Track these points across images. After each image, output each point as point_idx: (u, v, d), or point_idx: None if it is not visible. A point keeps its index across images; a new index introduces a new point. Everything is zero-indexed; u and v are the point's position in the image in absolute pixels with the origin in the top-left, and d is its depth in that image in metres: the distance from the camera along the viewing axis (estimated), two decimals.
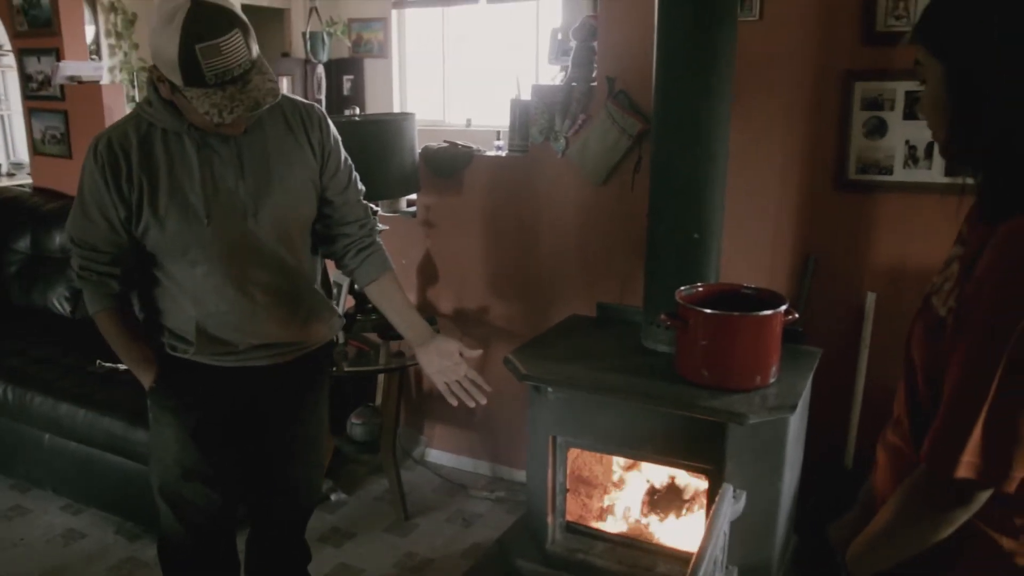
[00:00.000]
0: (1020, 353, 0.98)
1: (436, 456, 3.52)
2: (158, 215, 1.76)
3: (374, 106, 7.17)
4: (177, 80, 1.60)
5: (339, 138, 1.96)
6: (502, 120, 6.73)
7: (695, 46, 2.07)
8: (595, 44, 2.88)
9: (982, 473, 1.02)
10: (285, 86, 7.01)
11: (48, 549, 2.92)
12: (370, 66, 7.24)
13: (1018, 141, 1.05)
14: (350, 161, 2.00)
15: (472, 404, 1.89)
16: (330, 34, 7.09)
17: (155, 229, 1.78)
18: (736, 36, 2.13)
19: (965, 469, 1.02)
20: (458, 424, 3.43)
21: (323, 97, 7.05)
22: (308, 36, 6.88)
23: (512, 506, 3.17)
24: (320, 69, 7.04)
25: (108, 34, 6.93)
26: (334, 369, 2.22)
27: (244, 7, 7.01)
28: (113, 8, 6.93)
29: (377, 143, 2.80)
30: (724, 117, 2.13)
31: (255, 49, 1.65)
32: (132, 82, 6.84)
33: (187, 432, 1.96)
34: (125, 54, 7.05)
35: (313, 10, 6.96)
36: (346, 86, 7.33)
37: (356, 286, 3.02)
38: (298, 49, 7.46)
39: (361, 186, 2.02)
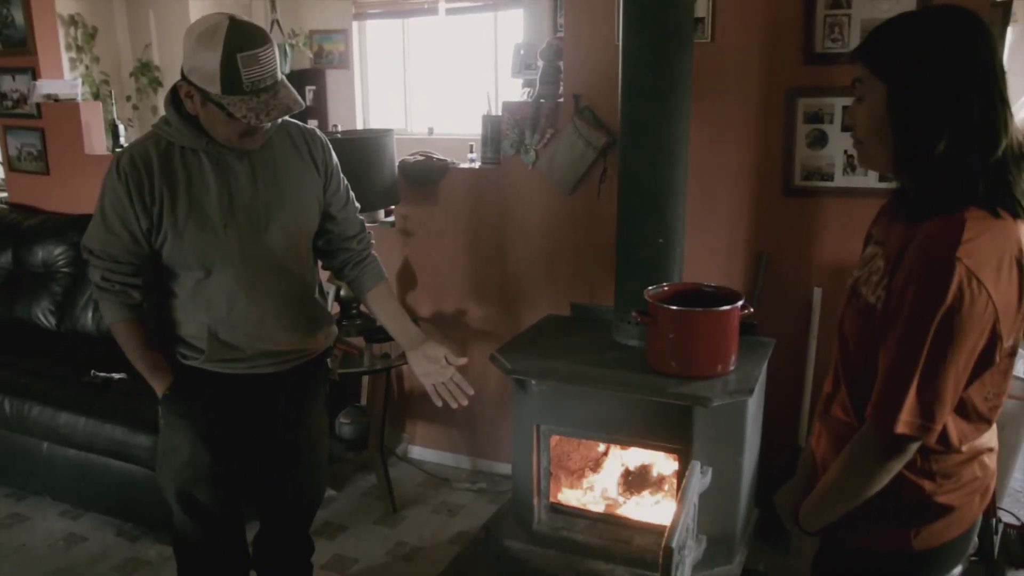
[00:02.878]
0: (940, 331, 1.21)
1: (418, 452, 3.72)
2: (177, 227, 1.92)
3: (336, 116, 7.31)
4: (215, 89, 1.77)
5: (338, 161, 2.15)
6: (464, 128, 6.95)
7: (656, 70, 2.31)
8: (561, 64, 3.11)
9: (916, 428, 1.25)
10: None
11: (51, 553, 3.05)
12: (332, 76, 7.38)
13: (948, 155, 1.23)
14: (346, 181, 2.18)
15: (455, 405, 2.07)
16: (292, 46, 7.22)
17: (174, 240, 1.93)
18: (692, 59, 2.38)
19: (903, 426, 1.25)
20: (439, 421, 3.64)
21: None
22: (275, 23, 6.99)
23: (493, 496, 3.38)
24: None
25: (68, 47, 6.97)
26: (329, 376, 2.40)
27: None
28: (74, 22, 6.97)
29: (359, 158, 2.99)
30: (684, 133, 2.37)
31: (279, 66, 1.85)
32: (95, 95, 6.89)
33: (199, 436, 2.10)
34: (87, 67, 7.09)
35: (275, 22, 7.09)
36: (308, 96, 7.46)
37: (342, 293, 3.23)
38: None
39: (357, 203, 2.22)
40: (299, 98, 1.86)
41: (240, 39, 1.74)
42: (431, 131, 7.00)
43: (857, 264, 1.46)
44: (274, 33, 7.06)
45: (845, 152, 2.75)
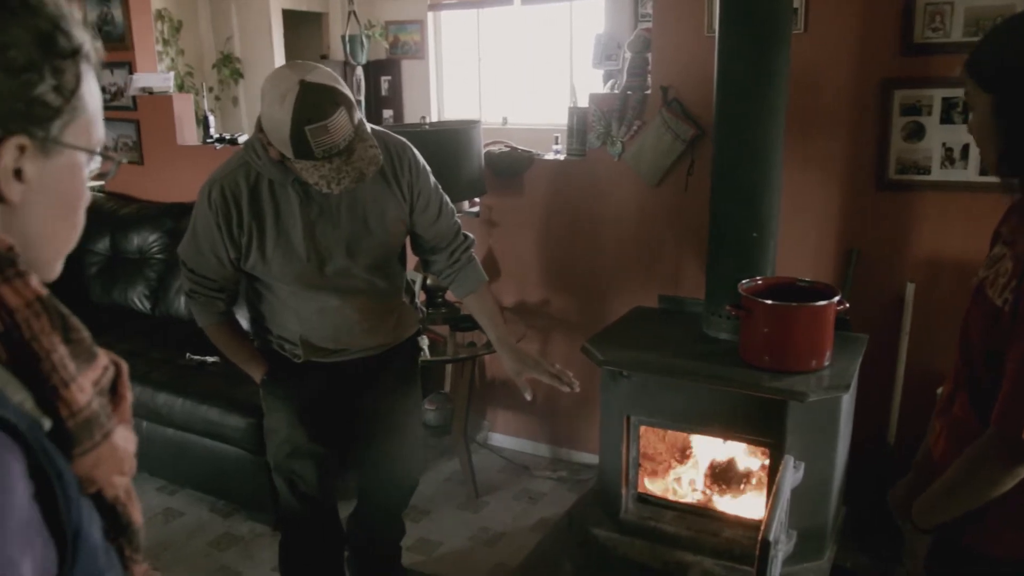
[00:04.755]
0: None
1: (499, 440, 3.77)
2: (265, 257, 1.99)
3: (411, 106, 7.41)
4: (288, 153, 1.81)
5: (427, 169, 2.12)
6: (537, 118, 6.97)
7: (754, 63, 2.30)
8: (648, 55, 3.10)
9: None
10: None
11: (151, 526, 3.19)
12: (407, 67, 7.48)
13: None
14: (439, 189, 2.16)
15: (567, 389, 2.09)
16: (368, 37, 7.32)
17: (262, 266, 2.01)
18: (790, 52, 2.35)
19: None
20: (519, 409, 3.68)
21: (362, 98, 7.28)
22: (347, 39, 7.11)
23: (573, 485, 3.42)
24: (359, 71, 7.27)
25: (156, 41, 7.20)
26: (421, 354, 2.47)
27: (284, 11, 7.28)
28: (160, 16, 7.20)
29: (447, 150, 3.03)
30: (780, 127, 2.35)
31: (357, 117, 1.83)
32: (180, 87, 7.11)
33: (296, 416, 2.21)
34: (172, 60, 7.33)
35: (351, 14, 7.19)
36: (384, 87, 7.57)
37: (428, 282, 3.28)
38: (337, 52, 7.71)
39: (451, 208, 2.20)
40: (377, 152, 1.84)
41: (308, 111, 1.73)
42: (505, 121, 7.04)
43: (983, 264, 1.44)
44: (350, 24, 7.17)
45: (943, 145, 2.69)
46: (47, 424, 0.69)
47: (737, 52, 2.31)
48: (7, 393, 0.67)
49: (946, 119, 2.67)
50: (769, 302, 2.21)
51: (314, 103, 1.74)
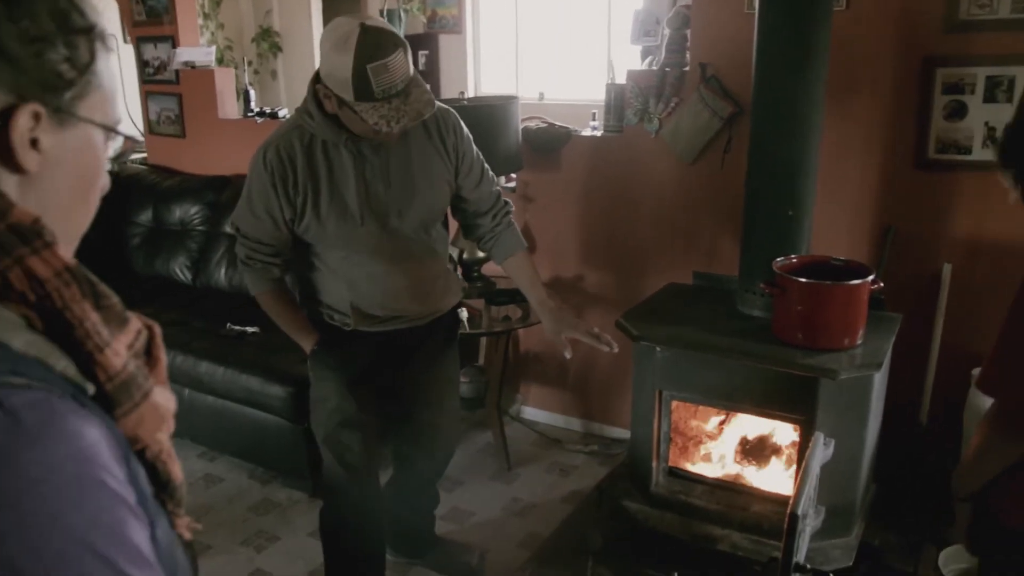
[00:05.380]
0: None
1: (531, 413, 3.82)
2: (320, 217, 2.05)
3: (448, 81, 7.41)
4: (348, 96, 1.85)
5: (470, 136, 2.20)
6: (574, 94, 6.93)
7: (794, 40, 2.29)
8: (687, 32, 3.09)
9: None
10: None
11: (192, 490, 3.29)
12: (444, 41, 7.46)
13: None
14: (480, 156, 2.24)
15: (607, 349, 2.15)
16: (406, 11, 7.33)
17: (316, 228, 2.06)
18: (831, 29, 2.34)
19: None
20: (551, 384, 3.73)
21: None
22: (385, 13, 7.14)
23: (604, 459, 3.46)
24: None
25: (196, 15, 7.27)
26: (460, 326, 2.52)
27: None
28: None
29: (485, 125, 3.05)
30: (819, 105, 2.35)
31: (411, 66, 1.90)
32: (220, 61, 7.18)
33: (345, 386, 2.25)
34: (212, 34, 7.39)
35: None
36: (421, 61, 7.58)
37: (464, 256, 3.33)
38: None
39: (492, 175, 2.28)
40: (431, 98, 1.91)
41: (371, 49, 1.79)
42: (542, 96, 7.02)
43: None
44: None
45: (986, 124, 2.66)
46: (91, 389, 0.74)
47: (777, 28, 2.31)
48: (50, 362, 0.72)
49: (989, 98, 2.64)
50: (803, 280, 2.22)
51: (375, 43, 1.80)
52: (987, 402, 2.57)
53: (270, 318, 2.25)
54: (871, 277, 2.24)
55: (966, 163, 2.72)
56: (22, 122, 0.72)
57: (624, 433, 3.55)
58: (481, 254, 3.28)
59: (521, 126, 3.37)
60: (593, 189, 3.41)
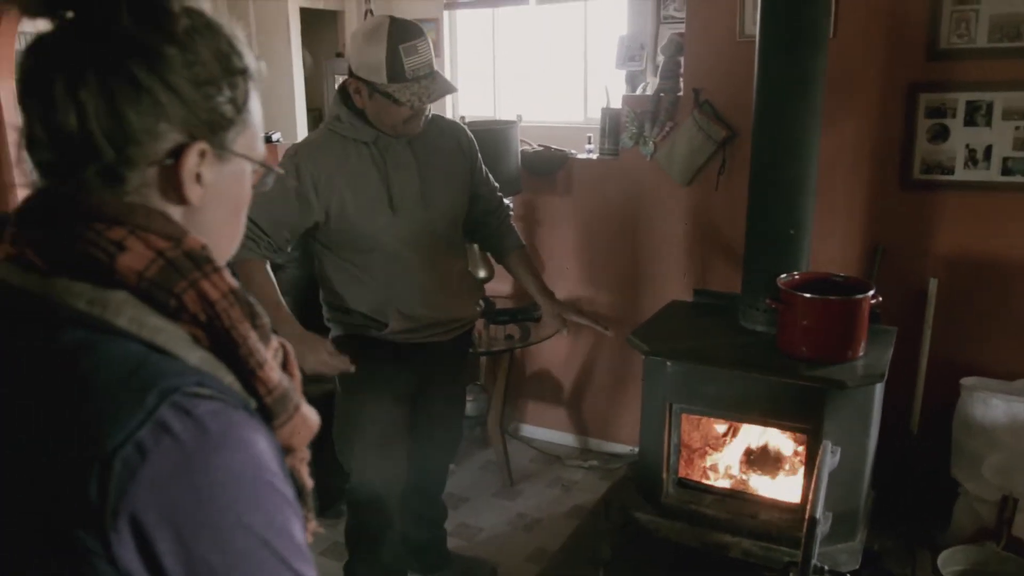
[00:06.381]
0: None
1: (528, 431, 3.89)
2: (352, 215, 2.13)
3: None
4: (381, 79, 2.00)
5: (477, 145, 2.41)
6: (553, 117, 7.03)
7: (792, 68, 2.41)
8: (681, 59, 3.22)
9: None
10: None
11: None
12: None
13: None
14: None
15: (606, 331, 2.44)
16: None
17: (350, 226, 2.15)
18: (827, 56, 2.47)
19: None
20: (548, 401, 3.80)
21: None
22: None
23: (604, 473, 3.54)
24: None
25: None
26: (471, 349, 2.62)
27: (301, 9, 7.36)
28: None
29: (486, 148, 3.13)
30: (816, 128, 2.47)
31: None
32: None
33: (383, 401, 2.30)
34: None
35: (368, 12, 7.30)
36: None
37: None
38: None
39: (494, 181, 2.47)
40: (453, 84, 2.11)
41: (401, 33, 1.99)
42: (520, 119, 7.14)
43: None
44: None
45: (967, 146, 2.81)
46: (252, 403, 0.80)
47: (777, 55, 2.43)
48: (219, 375, 0.78)
49: (969, 121, 2.79)
50: (808, 296, 2.33)
51: (404, 29, 2.02)
52: (976, 411, 2.71)
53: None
54: (871, 292, 2.36)
55: (949, 183, 2.86)
56: (191, 160, 0.79)
57: (622, 448, 3.64)
58: (483, 274, 3.36)
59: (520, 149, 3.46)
60: (590, 211, 3.51)
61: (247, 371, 0.79)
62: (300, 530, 0.78)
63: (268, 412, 0.81)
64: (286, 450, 0.84)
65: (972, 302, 2.93)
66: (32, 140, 0.77)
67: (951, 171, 2.86)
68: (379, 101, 2.05)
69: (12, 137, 0.77)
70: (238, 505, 0.71)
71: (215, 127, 0.81)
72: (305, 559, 0.77)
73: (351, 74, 2.09)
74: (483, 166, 2.42)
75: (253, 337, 0.80)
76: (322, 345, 2.10)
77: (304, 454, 0.89)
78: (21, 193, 0.82)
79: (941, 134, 2.85)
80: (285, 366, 0.89)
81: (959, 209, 2.88)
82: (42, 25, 0.77)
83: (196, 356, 0.76)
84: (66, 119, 0.74)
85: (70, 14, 0.76)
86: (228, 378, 0.78)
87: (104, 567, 0.66)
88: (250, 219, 2.12)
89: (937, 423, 2.95)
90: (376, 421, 2.31)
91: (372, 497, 2.37)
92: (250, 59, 0.84)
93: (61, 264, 0.74)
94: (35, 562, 0.67)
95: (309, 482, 0.91)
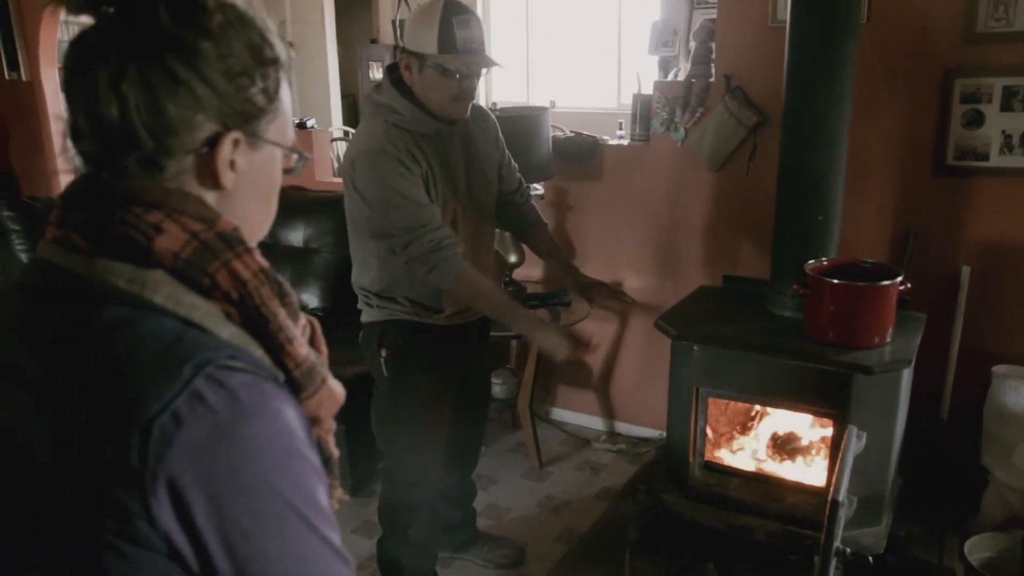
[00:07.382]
0: None
1: (558, 414, 3.93)
2: (435, 198, 2.18)
3: None
4: (433, 49, 2.05)
5: None
6: (585, 102, 7.03)
7: (824, 53, 2.41)
8: (712, 45, 3.22)
9: None
10: (376, 71, 7.40)
11: None
12: None
13: None
14: None
15: (630, 301, 2.49)
16: None
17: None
18: (858, 42, 2.46)
19: None
20: (578, 385, 3.84)
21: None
22: (397, 23, 7.26)
23: (632, 457, 3.57)
24: None
25: None
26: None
27: None
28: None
29: (518, 134, 3.17)
30: (846, 115, 2.47)
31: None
32: None
33: (437, 386, 2.35)
34: None
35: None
36: None
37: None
38: (387, 35, 7.85)
39: (515, 163, 2.53)
40: (498, 61, 2.17)
41: (454, 7, 2.07)
42: (553, 104, 7.14)
43: None
44: (400, 8, 7.31)
45: (1003, 132, 2.78)
46: (281, 376, 0.85)
47: (807, 43, 2.42)
48: (250, 350, 0.83)
49: (1006, 107, 2.76)
50: (836, 281, 2.34)
51: (458, 5, 2.09)
52: (1008, 399, 2.69)
53: (476, 302, 2.22)
54: (899, 279, 2.36)
55: (984, 169, 2.84)
56: (226, 149, 0.84)
57: (649, 432, 3.67)
58: (514, 259, 3.40)
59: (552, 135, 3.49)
60: (621, 197, 3.53)
61: (276, 345, 0.84)
62: (325, 496, 0.83)
63: (296, 385, 0.85)
64: (313, 421, 0.88)
65: (1005, 290, 2.90)
66: (76, 131, 0.82)
67: (986, 157, 2.83)
68: (428, 75, 2.08)
69: (56, 127, 0.82)
70: (267, 471, 0.76)
71: (248, 117, 0.85)
72: (329, 523, 0.82)
73: (403, 51, 2.13)
74: (506, 148, 2.49)
75: (282, 314, 0.85)
76: (556, 331, 2.20)
77: (330, 425, 0.93)
78: (64, 179, 0.88)
79: (976, 120, 2.82)
80: (312, 342, 0.94)
81: (993, 196, 2.85)
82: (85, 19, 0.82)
83: (228, 331, 0.81)
84: (108, 111, 0.78)
85: (111, 10, 0.80)
86: (258, 352, 0.82)
87: (144, 528, 0.71)
88: (414, 228, 2.11)
89: (967, 410, 2.94)
90: (428, 405, 2.34)
91: (412, 477, 2.42)
92: (280, 49, 0.89)
93: (103, 246, 0.79)
94: (82, 522, 0.72)
95: (335, 452, 0.96)
